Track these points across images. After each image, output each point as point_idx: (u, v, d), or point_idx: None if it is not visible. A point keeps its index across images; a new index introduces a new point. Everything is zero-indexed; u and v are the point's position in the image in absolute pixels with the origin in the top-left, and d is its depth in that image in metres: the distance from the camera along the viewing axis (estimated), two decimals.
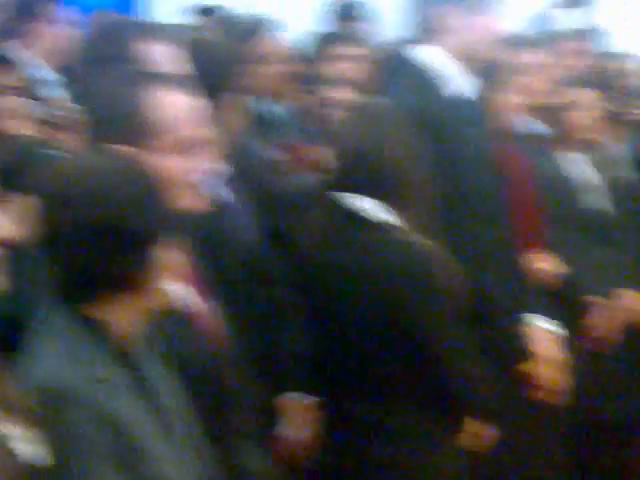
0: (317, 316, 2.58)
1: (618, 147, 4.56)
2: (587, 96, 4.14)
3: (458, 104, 3.10)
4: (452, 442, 2.59)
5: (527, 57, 4.14)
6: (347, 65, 4.24)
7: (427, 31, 3.15)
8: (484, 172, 3.12)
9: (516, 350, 3.13)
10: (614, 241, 4.12)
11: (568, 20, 5.23)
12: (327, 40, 4.41)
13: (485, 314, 3.01)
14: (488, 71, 3.49)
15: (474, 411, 2.64)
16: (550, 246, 3.83)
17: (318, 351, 2.59)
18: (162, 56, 2.61)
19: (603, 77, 4.73)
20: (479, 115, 3.22)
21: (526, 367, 3.14)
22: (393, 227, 2.52)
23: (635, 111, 4.68)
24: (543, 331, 3.19)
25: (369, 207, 2.53)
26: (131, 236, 1.68)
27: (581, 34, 5.12)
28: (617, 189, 4.17)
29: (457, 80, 3.11)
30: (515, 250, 3.25)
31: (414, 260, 2.47)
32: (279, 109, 4.23)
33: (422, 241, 2.50)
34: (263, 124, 3.97)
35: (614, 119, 4.45)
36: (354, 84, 4.08)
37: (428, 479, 2.51)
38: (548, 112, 4.13)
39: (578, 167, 4.13)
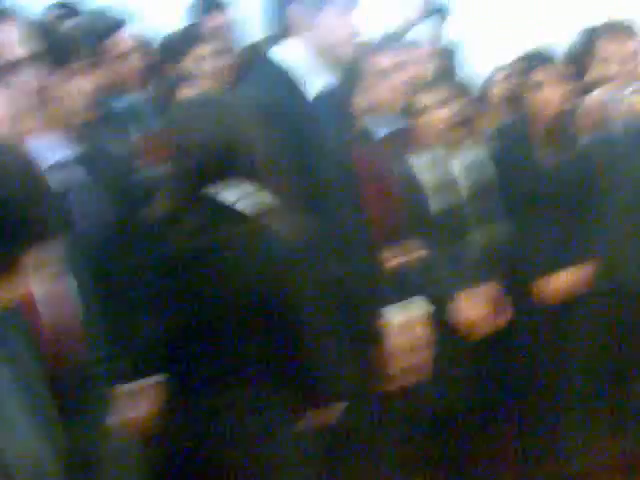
0: (174, 298, 2.59)
1: (474, 149, 4.71)
2: (436, 99, 4.25)
3: (316, 100, 3.14)
4: (304, 421, 2.62)
5: (385, 58, 4.21)
6: (207, 59, 4.26)
7: (286, 28, 3.18)
8: (340, 168, 3.17)
9: (375, 335, 3.21)
10: (465, 238, 4.31)
11: (425, 27, 5.34)
12: (187, 34, 4.42)
13: (347, 301, 3.08)
14: (347, 70, 3.54)
15: (330, 392, 2.68)
16: (404, 242, 3.92)
17: (172, 333, 2.60)
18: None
19: (461, 81, 4.88)
20: (336, 112, 3.27)
21: (383, 352, 3.22)
22: (254, 215, 2.54)
23: (483, 120, 4.83)
24: (403, 316, 3.28)
25: (229, 195, 2.55)
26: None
27: (437, 41, 5.26)
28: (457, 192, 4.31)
29: (315, 77, 3.14)
30: (373, 241, 3.31)
31: (276, 246, 2.51)
32: (137, 101, 4.21)
33: (282, 228, 2.54)
34: (119, 115, 3.95)
35: (470, 122, 4.59)
36: (213, 79, 4.10)
37: (277, 456, 2.55)
38: (404, 112, 4.23)
39: (432, 166, 4.26)
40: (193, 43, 4.35)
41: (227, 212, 2.52)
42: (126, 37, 4.19)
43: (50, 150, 2.72)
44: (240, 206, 2.52)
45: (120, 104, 4.02)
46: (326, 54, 3.14)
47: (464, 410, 4.26)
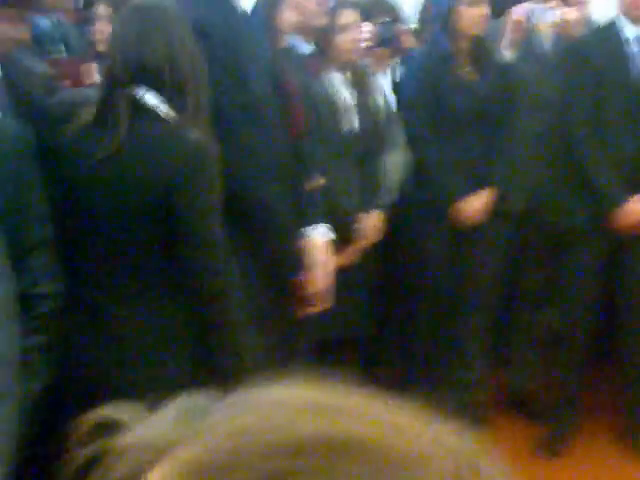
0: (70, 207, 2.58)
1: (396, 69, 4.69)
2: (352, 19, 4.20)
3: (246, 14, 3.10)
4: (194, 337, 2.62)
5: None
6: None
7: None
8: (267, 86, 3.14)
9: (290, 263, 3.19)
10: (368, 162, 4.35)
11: None
12: None
13: (265, 226, 3.06)
14: None
15: (220, 295, 2.65)
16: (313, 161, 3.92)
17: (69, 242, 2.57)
18: None
19: (379, 5, 4.83)
20: (264, 27, 3.23)
21: (299, 279, 3.21)
22: (173, 119, 2.57)
23: (405, 40, 4.79)
24: (317, 240, 3.26)
25: (150, 99, 2.57)
26: None
27: None
28: (368, 110, 4.32)
29: None
30: (293, 161, 3.29)
31: (191, 151, 2.53)
32: (47, 24, 4.11)
33: (200, 136, 2.56)
34: (42, 36, 3.86)
35: (384, 45, 4.56)
36: None
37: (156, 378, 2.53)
38: (314, 32, 4.19)
39: (340, 87, 4.23)
40: None
41: (147, 113, 2.55)
42: None
43: None
44: (159, 109, 2.56)
45: (43, 24, 3.92)
46: None
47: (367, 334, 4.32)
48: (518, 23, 4.47)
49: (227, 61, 3.02)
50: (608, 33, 4.43)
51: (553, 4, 4.47)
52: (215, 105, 2.99)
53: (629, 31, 4.37)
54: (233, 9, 3.10)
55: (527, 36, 4.53)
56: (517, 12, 4.50)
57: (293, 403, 0.66)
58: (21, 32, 2.76)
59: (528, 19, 4.47)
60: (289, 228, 3.18)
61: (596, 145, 4.37)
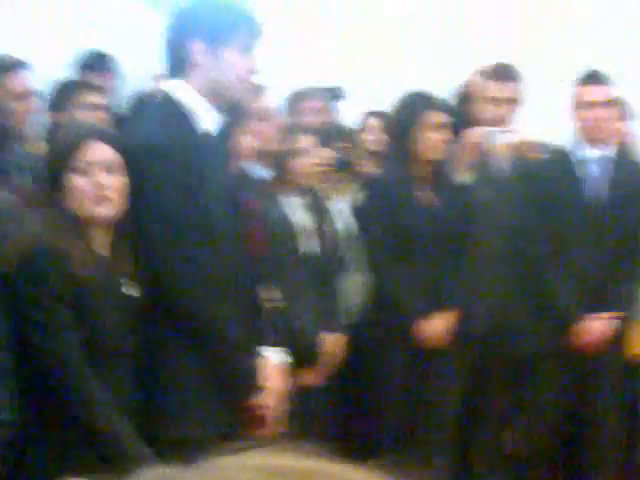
0: None
1: (351, 193, 4.74)
2: (309, 144, 4.26)
3: (203, 139, 3.13)
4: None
5: (261, 102, 4.22)
6: (86, 113, 4.21)
7: (177, 66, 3.17)
8: (225, 207, 3.15)
9: (246, 385, 3.14)
10: (326, 283, 4.35)
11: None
12: (68, 88, 4.38)
13: (217, 347, 3.03)
14: (231, 111, 3.53)
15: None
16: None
17: None
18: None
19: (337, 130, 4.91)
20: (222, 153, 3.26)
21: (254, 401, 3.16)
22: None
23: (363, 165, 4.86)
24: (272, 363, 3.22)
25: None
26: None
27: (322, 92, 5.30)
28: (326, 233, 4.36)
29: (202, 116, 3.14)
30: (249, 282, 3.27)
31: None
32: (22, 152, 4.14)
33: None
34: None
35: (342, 169, 4.62)
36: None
37: None
38: (272, 157, 4.23)
39: (297, 210, 4.26)
40: (76, 92, 4.32)
41: None
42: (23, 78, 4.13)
43: None
44: None
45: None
46: (217, 92, 3.13)
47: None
48: (475, 145, 4.55)
49: (180, 180, 3.03)
50: (563, 155, 4.54)
51: (509, 127, 4.57)
52: (166, 222, 3.01)
53: (588, 153, 4.48)
54: (192, 130, 3.13)
55: (483, 158, 4.61)
56: (473, 134, 4.58)
57: (260, 466, 0.64)
58: None
59: (484, 141, 4.55)
60: (240, 348, 3.14)
61: (554, 264, 4.42)
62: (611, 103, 4.51)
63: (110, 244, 2.96)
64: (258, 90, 4.49)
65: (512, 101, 4.69)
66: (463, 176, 4.55)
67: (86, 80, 4.63)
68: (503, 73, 4.70)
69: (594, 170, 4.50)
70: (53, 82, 4.48)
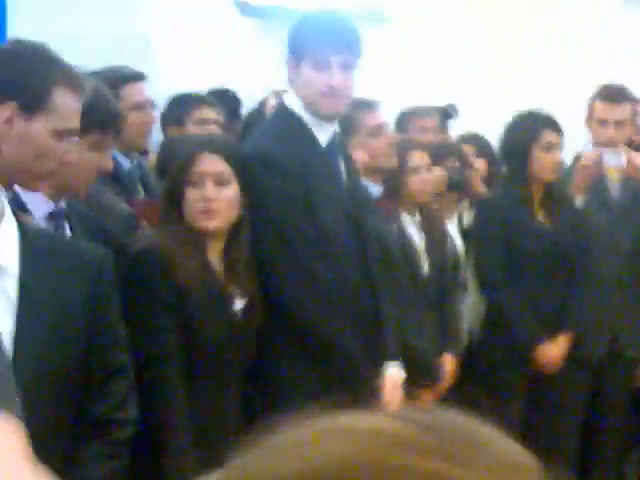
0: None
1: (468, 212, 4.71)
2: (423, 161, 4.22)
3: (321, 153, 3.14)
4: None
5: (370, 118, 4.21)
6: (201, 127, 4.25)
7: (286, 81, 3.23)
8: (343, 222, 3.15)
9: (363, 397, 3.14)
10: (442, 304, 4.29)
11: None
12: (189, 98, 4.44)
13: (334, 359, 3.02)
14: (342, 125, 3.54)
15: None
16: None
17: None
18: None
19: (448, 149, 4.88)
20: (338, 167, 3.27)
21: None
22: None
23: (471, 183, 4.83)
24: (391, 377, 3.23)
25: None
26: None
27: (434, 110, 5.29)
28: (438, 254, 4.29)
29: (316, 128, 3.16)
30: (370, 298, 3.26)
31: None
32: (127, 164, 4.19)
33: None
34: (126, 175, 3.94)
35: (451, 189, 4.59)
36: None
37: None
38: (384, 174, 4.22)
39: (410, 230, 4.23)
40: (195, 106, 4.37)
41: None
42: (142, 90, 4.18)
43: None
44: None
45: (124, 163, 3.99)
46: (307, 107, 3.15)
47: None
48: (586, 168, 4.48)
49: (296, 194, 3.05)
50: None
51: (621, 148, 4.50)
52: (282, 237, 3.03)
53: None
54: (313, 143, 3.15)
55: (596, 180, 4.54)
56: (586, 157, 4.52)
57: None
58: (103, 160, 2.82)
59: (597, 163, 4.49)
60: (358, 361, 3.14)
61: None
62: None
63: (222, 257, 2.99)
64: (371, 105, 4.49)
65: (622, 123, 4.59)
66: (577, 198, 4.49)
67: (201, 95, 4.68)
68: (612, 94, 4.63)
69: None
70: (168, 97, 4.55)
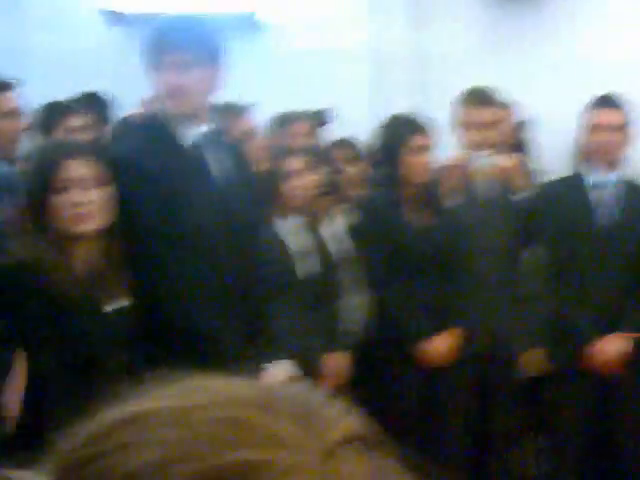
0: None
1: (342, 216, 4.75)
2: (301, 166, 4.26)
3: (186, 154, 3.17)
4: None
5: (240, 122, 4.23)
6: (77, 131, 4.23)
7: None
8: (211, 218, 3.16)
9: None
10: (325, 304, 4.33)
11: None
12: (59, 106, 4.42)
13: (208, 358, 3.03)
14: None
15: None
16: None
17: None
18: None
19: (323, 154, 4.92)
20: (206, 166, 3.27)
21: None
22: None
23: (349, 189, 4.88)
24: (280, 375, 3.25)
25: None
26: None
27: (309, 115, 5.33)
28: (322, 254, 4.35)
29: (183, 131, 3.19)
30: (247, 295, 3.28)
31: None
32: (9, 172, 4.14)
33: None
34: None
35: (330, 193, 4.62)
36: None
37: None
38: (260, 178, 4.23)
39: (298, 232, 4.25)
40: (64, 114, 4.34)
41: None
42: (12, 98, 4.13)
43: None
44: None
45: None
46: (167, 108, 3.19)
47: None
48: (454, 169, 4.56)
49: (154, 195, 3.08)
50: (573, 182, 4.56)
51: (489, 151, 4.57)
52: (144, 237, 3.02)
53: (598, 176, 4.51)
54: (173, 144, 3.16)
55: (464, 182, 4.62)
56: (454, 159, 4.60)
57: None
58: None
59: (464, 165, 4.57)
60: (234, 358, 3.13)
61: (565, 286, 4.46)
62: (622, 127, 4.50)
63: (97, 259, 2.97)
64: (241, 110, 4.51)
65: (487, 126, 4.66)
66: (448, 199, 4.56)
67: (71, 104, 4.65)
68: (477, 98, 4.69)
69: (605, 194, 4.52)
70: (41, 104, 4.49)
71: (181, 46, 3.15)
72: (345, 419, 0.70)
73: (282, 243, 4.21)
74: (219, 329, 3.12)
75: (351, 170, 5.09)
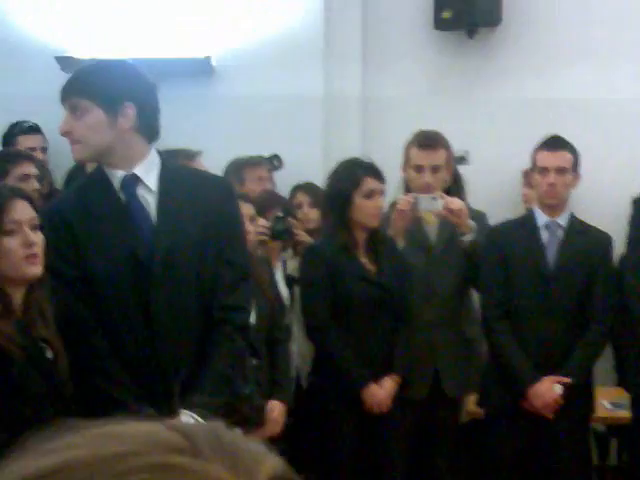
0: None
1: (293, 261, 4.79)
2: (248, 212, 4.29)
3: (113, 202, 3.23)
4: None
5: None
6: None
7: None
8: (117, 265, 3.17)
9: None
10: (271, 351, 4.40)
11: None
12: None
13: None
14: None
15: None
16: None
17: None
18: None
19: (274, 199, 4.96)
20: (129, 210, 3.30)
21: None
22: None
23: (299, 234, 4.91)
24: None
25: None
26: None
27: (264, 161, 5.39)
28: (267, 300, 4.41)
29: (117, 180, 3.22)
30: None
31: None
32: None
33: None
34: None
35: (276, 238, 4.66)
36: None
37: None
38: None
39: None
40: (17, 162, 4.36)
41: None
42: None
43: None
44: None
45: None
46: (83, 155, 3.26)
47: None
48: (402, 213, 4.60)
49: (64, 243, 3.13)
50: (525, 222, 4.63)
51: (436, 193, 4.60)
52: (55, 284, 3.04)
53: (540, 219, 4.57)
54: (104, 191, 3.21)
55: (412, 225, 4.67)
56: (401, 202, 4.63)
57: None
58: None
59: (412, 208, 4.61)
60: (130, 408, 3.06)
61: (507, 327, 4.50)
62: (569, 169, 4.56)
63: (24, 305, 2.93)
64: (190, 155, 4.55)
65: (437, 168, 4.72)
66: (398, 243, 4.60)
67: (22, 151, 4.69)
68: (428, 141, 4.74)
69: (553, 235, 4.58)
70: None
71: (72, 90, 3.16)
72: (269, 458, 0.72)
73: None
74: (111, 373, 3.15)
75: (312, 214, 5.13)
